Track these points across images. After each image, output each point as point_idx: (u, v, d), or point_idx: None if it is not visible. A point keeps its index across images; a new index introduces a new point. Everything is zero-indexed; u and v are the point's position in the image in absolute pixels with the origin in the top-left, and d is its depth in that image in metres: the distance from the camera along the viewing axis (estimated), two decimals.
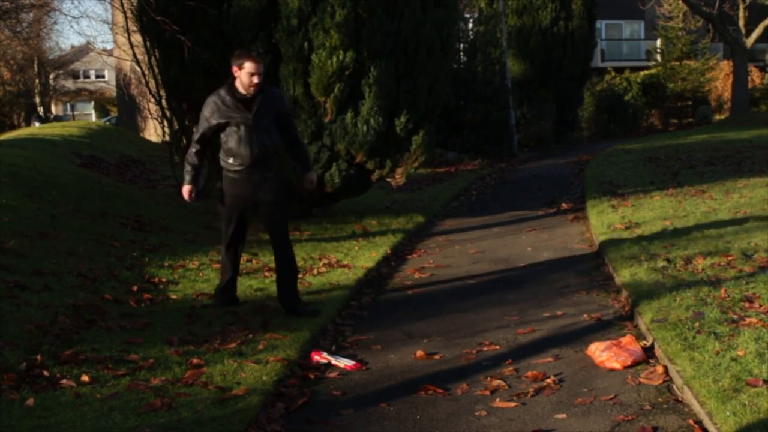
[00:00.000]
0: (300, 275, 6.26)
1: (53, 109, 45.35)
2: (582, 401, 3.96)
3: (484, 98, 18.66)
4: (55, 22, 36.35)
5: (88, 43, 31.84)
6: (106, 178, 11.05)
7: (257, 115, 5.36)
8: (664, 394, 3.98)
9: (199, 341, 4.84)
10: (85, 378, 4.10)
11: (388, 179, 9.67)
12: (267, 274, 6.76)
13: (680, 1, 26.72)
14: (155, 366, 4.37)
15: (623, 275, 6.12)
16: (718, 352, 4.15)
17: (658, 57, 29.78)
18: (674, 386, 4.04)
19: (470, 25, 20.96)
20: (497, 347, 4.91)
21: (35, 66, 37.17)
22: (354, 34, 8.65)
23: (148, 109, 16.78)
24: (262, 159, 5.41)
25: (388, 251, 7.99)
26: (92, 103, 48.31)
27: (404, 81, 9.08)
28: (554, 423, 3.73)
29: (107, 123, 30.62)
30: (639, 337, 4.82)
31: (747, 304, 4.96)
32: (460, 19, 18.71)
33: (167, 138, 11.16)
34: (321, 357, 4.78)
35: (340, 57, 8.55)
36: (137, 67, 11.74)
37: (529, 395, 4.08)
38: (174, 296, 6.07)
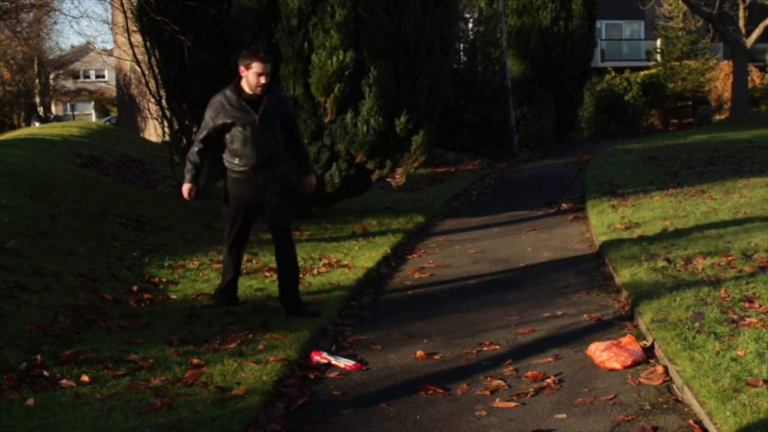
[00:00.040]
0: (300, 275, 6.26)
1: (53, 109, 45.33)
2: (582, 401, 3.96)
3: (484, 98, 18.66)
4: (55, 22, 36.40)
5: (88, 43, 31.88)
6: (106, 178, 11.05)
7: (264, 116, 5.36)
8: (664, 394, 3.98)
9: (199, 341, 4.84)
10: (85, 378, 4.10)
11: (388, 179, 9.67)
12: (267, 274, 6.76)
13: (680, 1, 26.72)
14: (155, 366, 4.37)
15: (623, 275, 6.12)
16: (718, 352, 4.15)
17: (658, 57, 29.77)
18: (674, 386, 4.04)
19: (470, 25, 20.96)
20: (497, 347, 4.91)
21: (35, 66, 37.16)
22: (354, 34, 8.65)
23: (148, 109, 16.78)
24: (268, 160, 5.40)
25: (388, 251, 7.99)
26: (92, 103, 48.30)
27: (404, 81, 9.08)
28: (554, 423, 3.73)
29: (107, 123, 30.62)
30: (639, 337, 4.82)
31: (747, 304, 4.96)
32: (460, 19, 18.70)
33: (167, 138, 11.17)
34: (321, 357, 4.78)
35: (340, 57, 8.56)
36: (137, 67, 11.75)
37: (529, 395, 4.08)
38: (174, 296, 6.07)
